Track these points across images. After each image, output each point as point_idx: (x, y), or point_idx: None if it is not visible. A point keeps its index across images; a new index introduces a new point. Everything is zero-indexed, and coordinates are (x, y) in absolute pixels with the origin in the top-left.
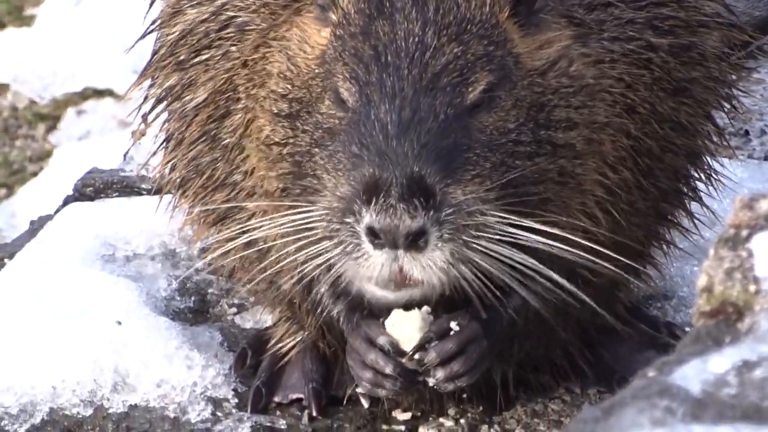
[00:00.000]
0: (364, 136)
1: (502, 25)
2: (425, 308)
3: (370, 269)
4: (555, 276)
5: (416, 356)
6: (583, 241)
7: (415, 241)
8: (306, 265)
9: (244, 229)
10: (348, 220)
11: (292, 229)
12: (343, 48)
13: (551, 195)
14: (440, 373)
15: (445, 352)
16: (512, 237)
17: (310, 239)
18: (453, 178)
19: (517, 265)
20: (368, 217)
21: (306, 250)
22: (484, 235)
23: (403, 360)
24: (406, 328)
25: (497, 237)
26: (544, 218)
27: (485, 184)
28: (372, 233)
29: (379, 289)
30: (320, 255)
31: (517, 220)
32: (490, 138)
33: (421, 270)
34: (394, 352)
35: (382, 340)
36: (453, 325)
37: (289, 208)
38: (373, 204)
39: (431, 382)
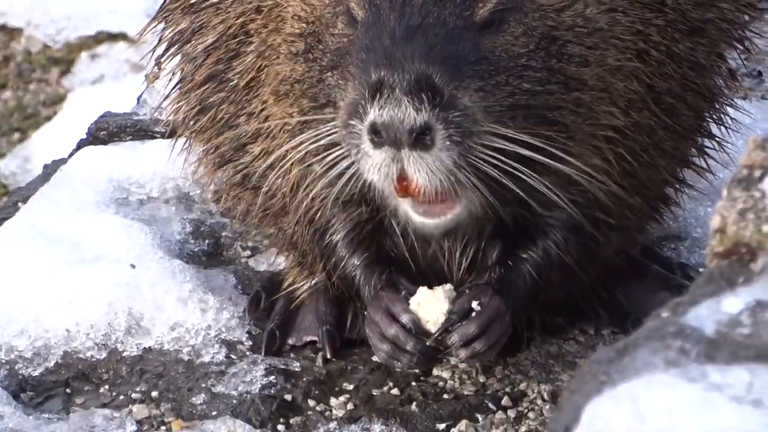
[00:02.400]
0: (372, 42)
1: None
2: (449, 286)
3: (372, 170)
4: (556, 193)
5: (439, 338)
6: (598, 176)
7: (421, 139)
8: (319, 191)
9: (252, 170)
10: (352, 122)
11: (306, 146)
12: None
13: (568, 122)
14: (462, 353)
15: (467, 335)
16: (514, 149)
17: (319, 153)
18: (460, 84)
19: (526, 179)
20: (372, 114)
21: (315, 169)
22: (488, 143)
23: (427, 342)
24: (431, 309)
25: (502, 148)
26: (558, 145)
27: (489, 99)
28: (374, 131)
29: (416, 215)
30: (330, 166)
31: (517, 134)
32: (498, 58)
33: (428, 173)
34: (416, 330)
35: (405, 318)
36: (475, 305)
37: (302, 126)
38: (377, 100)
39: (453, 361)
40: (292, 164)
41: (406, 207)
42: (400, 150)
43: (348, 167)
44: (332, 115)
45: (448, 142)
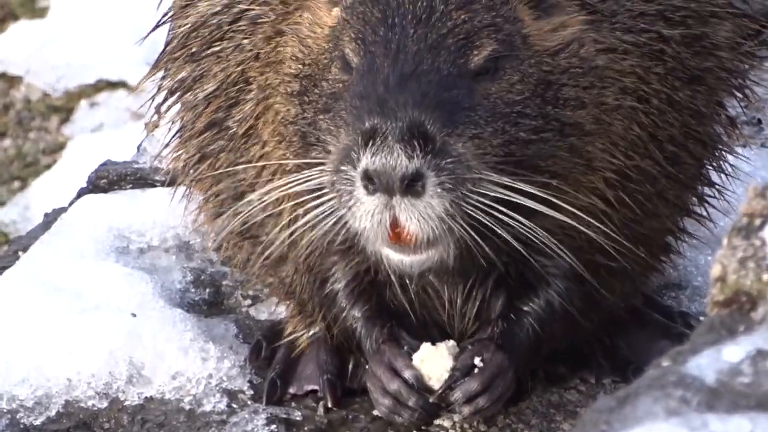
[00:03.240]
0: (366, 89)
1: (513, 3)
2: (452, 343)
3: (364, 219)
4: (553, 241)
5: (442, 395)
6: (594, 222)
7: (412, 186)
8: (312, 235)
9: (251, 218)
10: (344, 168)
11: (298, 191)
12: (352, 15)
13: (560, 170)
14: (466, 410)
15: (470, 392)
16: (509, 198)
17: (313, 198)
18: (454, 131)
19: (520, 228)
20: (364, 161)
21: (310, 214)
22: (483, 191)
23: (430, 399)
24: (433, 365)
25: (497, 196)
26: (552, 192)
27: (485, 148)
28: (367, 177)
29: (391, 251)
30: (322, 215)
31: (514, 183)
32: (493, 105)
33: (419, 219)
34: (419, 386)
35: (407, 374)
36: (477, 361)
37: (297, 170)
38: (369, 147)
39: (456, 418)
40: (283, 209)
41: (384, 247)
42: (392, 197)
43: (336, 213)
44: (321, 159)
45: (439, 189)
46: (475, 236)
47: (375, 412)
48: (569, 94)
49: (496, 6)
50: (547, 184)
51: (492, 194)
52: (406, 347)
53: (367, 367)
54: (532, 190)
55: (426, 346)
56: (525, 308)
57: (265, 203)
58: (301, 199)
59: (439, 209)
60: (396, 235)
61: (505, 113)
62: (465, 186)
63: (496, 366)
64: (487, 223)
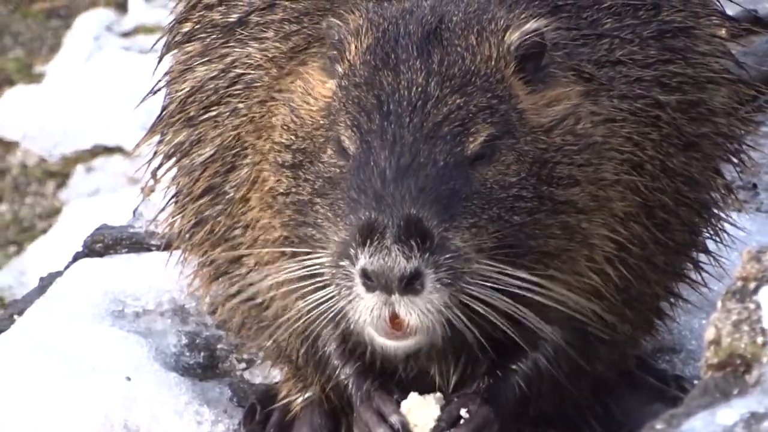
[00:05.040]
0: (363, 182)
1: (508, 80)
2: (439, 395)
3: (363, 313)
4: (551, 331)
5: None
6: (590, 299)
7: (411, 284)
8: (308, 316)
9: (247, 282)
10: (343, 263)
11: (293, 276)
12: (347, 98)
13: (552, 249)
14: None
15: None
16: (507, 286)
17: (311, 287)
18: (451, 224)
19: (517, 316)
20: (362, 260)
21: (306, 299)
22: (480, 282)
23: None
24: (420, 415)
25: (493, 286)
26: (546, 273)
27: (482, 236)
28: (365, 275)
29: (378, 335)
30: (319, 302)
31: (512, 271)
32: (490, 191)
33: (419, 315)
34: None
35: (394, 419)
36: (463, 412)
37: (292, 256)
38: (367, 246)
39: None
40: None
41: (369, 329)
42: (391, 295)
43: (336, 306)
44: (320, 246)
45: (438, 285)
46: (467, 323)
47: None
48: (563, 172)
49: (492, 86)
50: (541, 266)
51: (489, 284)
52: (395, 396)
53: (355, 414)
54: (527, 276)
55: (413, 396)
56: (513, 367)
57: (264, 282)
58: (297, 286)
59: (438, 303)
60: (396, 325)
61: (500, 198)
62: (463, 279)
63: (482, 418)
64: (481, 310)
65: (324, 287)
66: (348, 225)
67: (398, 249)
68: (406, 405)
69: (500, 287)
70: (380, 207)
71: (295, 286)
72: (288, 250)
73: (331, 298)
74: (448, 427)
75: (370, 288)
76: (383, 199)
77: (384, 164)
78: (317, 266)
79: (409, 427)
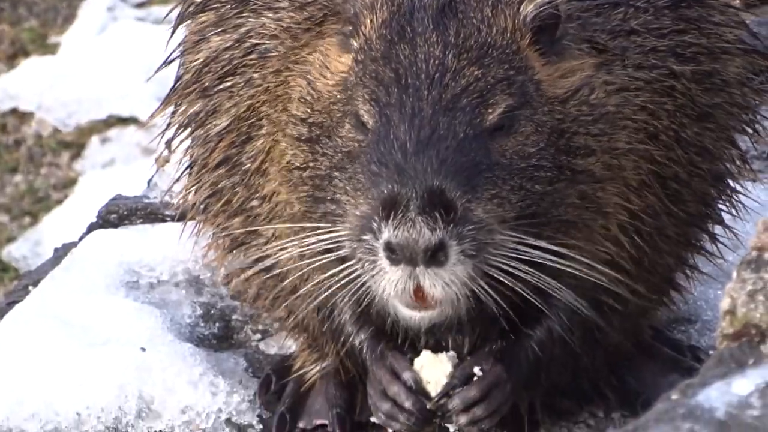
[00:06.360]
0: (383, 155)
1: (523, 51)
2: (452, 353)
3: (388, 287)
4: (571, 298)
5: (440, 401)
6: (606, 269)
7: (435, 256)
8: (327, 289)
9: (264, 253)
10: (366, 237)
11: (313, 251)
12: (364, 72)
13: (572, 218)
14: (463, 419)
15: (468, 399)
16: (530, 257)
17: (331, 261)
18: (473, 195)
19: (538, 284)
20: (386, 233)
21: (326, 273)
22: (504, 253)
23: (428, 405)
24: (433, 372)
25: (516, 256)
26: (565, 242)
27: (504, 206)
28: (390, 249)
29: (403, 307)
30: (341, 276)
31: (534, 242)
32: (510, 161)
33: (443, 287)
34: (417, 389)
35: (407, 375)
36: (476, 370)
37: (312, 230)
38: (391, 219)
39: (452, 429)
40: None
41: (395, 302)
42: (416, 267)
43: (359, 280)
44: (338, 220)
45: (462, 256)
46: (491, 292)
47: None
48: (579, 142)
49: (509, 57)
50: (561, 235)
51: (512, 255)
52: (409, 355)
53: (369, 372)
54: (548, 246)
55: (426, 353)
56: (527, 331)
57: (283, 254)
58: (316, 259)
59: (462, 275)
60: (420, 299)
61: (521, 168)
62: (486, 250)
63: (494, 376)
64: (504, 280)
65: (344, 260)
66: (369, 199)
67: (422, 221)
68: (419, 362)
69: (523, 257)
70: (402, 180)
71: (310, 260)
72: (307, 225)
73: (353, 271)
74: (461, 384)
75: (394, 261)
76: (405, 171)
77: (404, 137)
78: (337, 240)
79: (422, 384)
